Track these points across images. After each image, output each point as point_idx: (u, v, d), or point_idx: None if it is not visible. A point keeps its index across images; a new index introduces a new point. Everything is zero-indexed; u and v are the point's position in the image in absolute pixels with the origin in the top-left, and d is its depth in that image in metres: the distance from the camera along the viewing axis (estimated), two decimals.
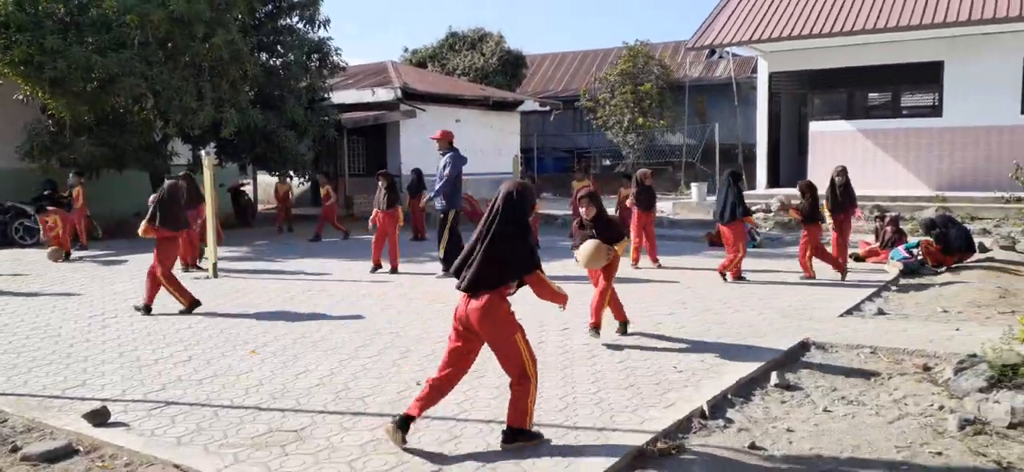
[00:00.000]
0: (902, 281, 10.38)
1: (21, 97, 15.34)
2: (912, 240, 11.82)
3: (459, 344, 4.62)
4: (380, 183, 11.91)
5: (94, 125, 15.43)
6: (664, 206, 18.36)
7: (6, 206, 15.29)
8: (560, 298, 4.75)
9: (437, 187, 10.83)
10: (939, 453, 4.60)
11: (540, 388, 5.73)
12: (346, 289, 10.28)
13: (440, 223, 10.96)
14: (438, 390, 4.65)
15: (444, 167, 10.81)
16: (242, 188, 20.55)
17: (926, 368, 6.29)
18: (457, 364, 4.65)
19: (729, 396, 5.58)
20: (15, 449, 4.76)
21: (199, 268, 11.90)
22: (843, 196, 10.70)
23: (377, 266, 11.55)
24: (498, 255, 4.43)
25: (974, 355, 6.16)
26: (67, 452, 4.69)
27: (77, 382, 6.12)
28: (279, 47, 18.52)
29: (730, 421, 5.17)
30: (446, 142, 10.99)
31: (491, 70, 32.08)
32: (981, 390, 5.52)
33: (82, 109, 14.52)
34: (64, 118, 15.07)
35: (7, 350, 7.16)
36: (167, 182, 9.21)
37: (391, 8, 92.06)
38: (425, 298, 9.57)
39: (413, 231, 16.39)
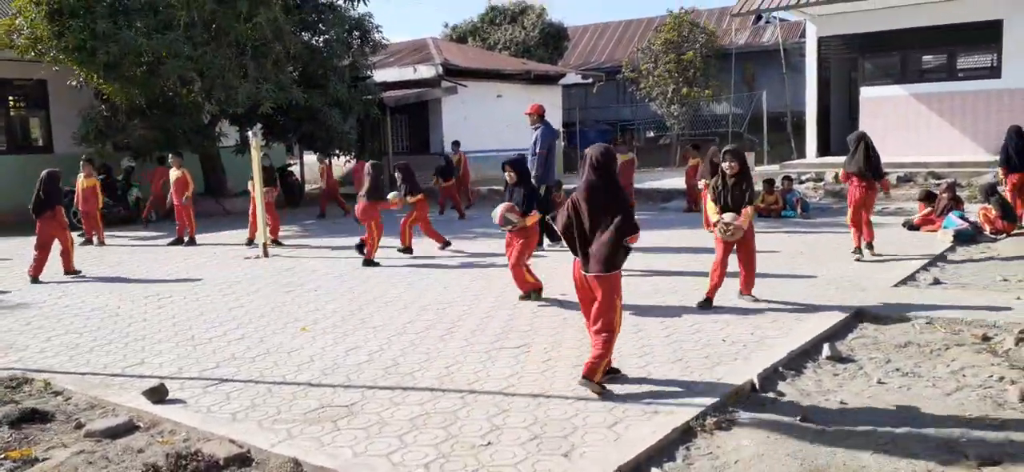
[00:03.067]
0: (959, 250, 10.08)
1: (75, 83, 15.74)
2: (967, 207, 11.47)
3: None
4: (397, 175, 11.46)
5: (146, 109, 15.79)
6: None
7: (63, 190, 15.71)
8: None
9: (532, 163, 10.74)
10: (1000, 426, 4.47)
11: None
12: (393, 267, 10.38)
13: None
14: None
15: (535, 142, 10.83)
16: (289, 168, 20.84)
17: (985, 338, 6.11)
18: None
19: (780, 368, 5.50)
20: (79, 426, 4.93)
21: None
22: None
23: (407, 249, 11.33)
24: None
25: None
26: (128, 428, 4.84)
27: (136, 361, 6.31)
28: (321, 25, 18.65)
29: (781, 394, 5.10)
30: (538, 116, 10.96)
31: (532, 43, 31.88)
32: None
33: (135, 92, 14.86)
34: (117, 103, 15.44)
35: (69, 330, 7.41)
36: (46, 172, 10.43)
37: None
38: (470, 275, 9.62)
39: (440, 209, 16.75)
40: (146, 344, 6.81)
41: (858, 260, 9.45)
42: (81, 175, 13.51)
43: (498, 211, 7.73)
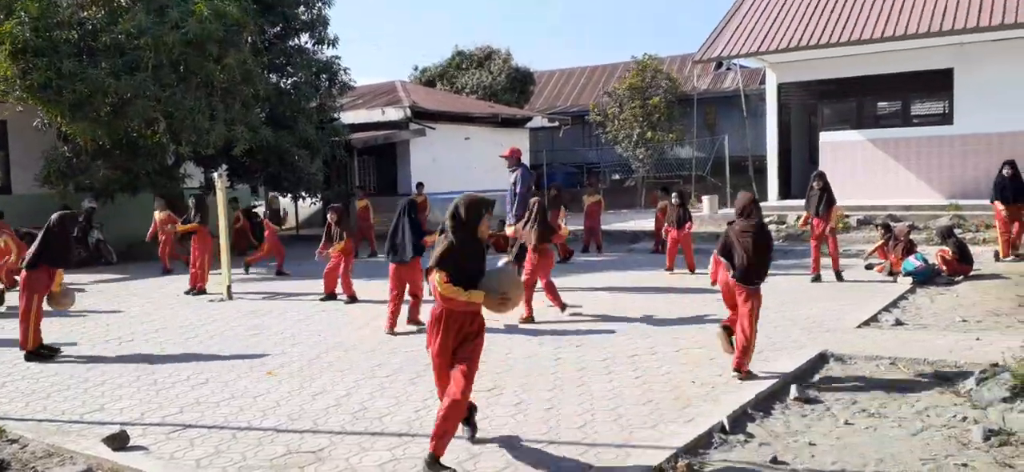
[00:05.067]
0: (919, 291, 10.31)
1: (38, 124, 15.51)
2: (922, 250, 11.75)
3: None
4: (330, 217, 11.19)
5: (109, 149, 15.58)
6: None
7: (21, 232, 15.39)
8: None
9: (511, 206, 10.92)
10: (965, 465, 4.54)
11: (560, 404, 5.73)
12: (359, 310, 10.28)
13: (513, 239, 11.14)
14: None
15: (515, 183, 10.94)
16: (254, 209, 20.62)
17: (947, 379, 6.22)
18: None
19: (749, 410, 5.54)
20: None
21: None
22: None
23: (330, 295, 11.02)
24: None
25: (996, 364, 6.10)
26: None
27: (95, 406, 6.14)
28: (289, 68, 18.66)
29: (751, 436, 5.13)
30: (515, 159, 11.12)
31: (499, 88, 32.18)
32: (1004, 400, 5.46)
33: (99, 132, 14.66)
34: (80, 144, 15.22)
35: (25, 376, 7.19)
36: (56, 216, 8.20)
37: (400, 27, 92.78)
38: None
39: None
40: (106, 389, 6.63)
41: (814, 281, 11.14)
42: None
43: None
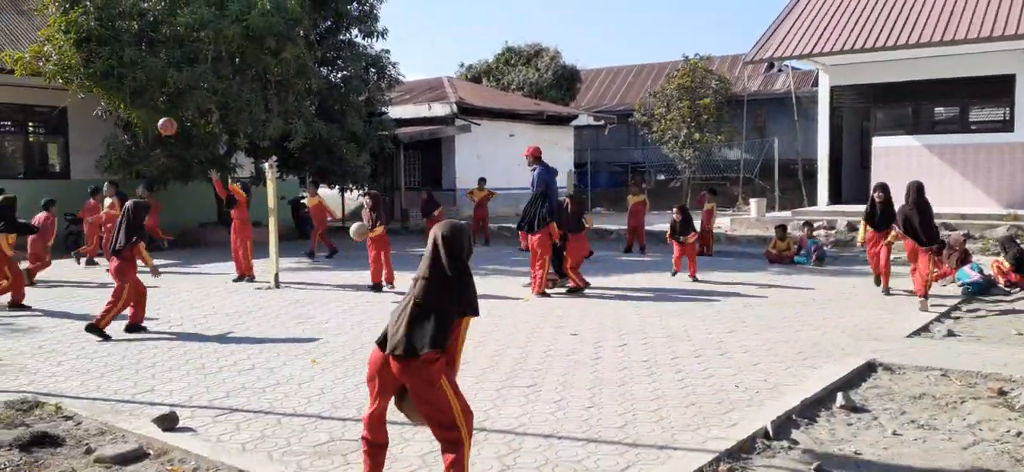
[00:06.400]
0: (974, 302, 10.02)
1: (99, 113, 15.99)
2: (977, 261, 11.41)
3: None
4: (366, 202, 11.50)
5: (165, 138, 15.97)
6: (722, 222, 18.13)
7: (78, 217, 15.88)
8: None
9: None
10: None
11: (600, 403, 5.70)
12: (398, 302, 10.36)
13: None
14: None
15: (533, 183, 11.10)
16: (301, 201, 20.96)
17: (1001, 393, 6.03)
18: None
19: (793, 417, 5.45)
20: (89, 451, 4.92)
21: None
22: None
23: (377, 285, 11.24)
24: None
25: None
26: (138, 455, 4.83)
27: (146, 388, 6.30)
28: (339, 61, 18.90)
29: (795, 442, 5.05)
30: (535, 158, 11.22)
31: (545, 85, 32.17)
32: None
33: (156, 119, 15.06)
34: (138, 132, 15.66)
35: (80, 356, 7.42)
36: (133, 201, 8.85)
37: (448, 24, 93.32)
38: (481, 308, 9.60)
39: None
40: (156, 371, 6.81)
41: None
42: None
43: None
